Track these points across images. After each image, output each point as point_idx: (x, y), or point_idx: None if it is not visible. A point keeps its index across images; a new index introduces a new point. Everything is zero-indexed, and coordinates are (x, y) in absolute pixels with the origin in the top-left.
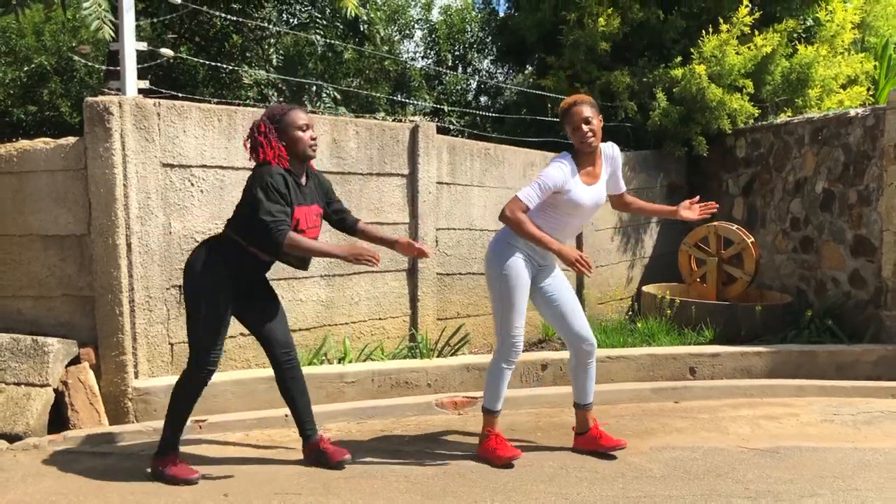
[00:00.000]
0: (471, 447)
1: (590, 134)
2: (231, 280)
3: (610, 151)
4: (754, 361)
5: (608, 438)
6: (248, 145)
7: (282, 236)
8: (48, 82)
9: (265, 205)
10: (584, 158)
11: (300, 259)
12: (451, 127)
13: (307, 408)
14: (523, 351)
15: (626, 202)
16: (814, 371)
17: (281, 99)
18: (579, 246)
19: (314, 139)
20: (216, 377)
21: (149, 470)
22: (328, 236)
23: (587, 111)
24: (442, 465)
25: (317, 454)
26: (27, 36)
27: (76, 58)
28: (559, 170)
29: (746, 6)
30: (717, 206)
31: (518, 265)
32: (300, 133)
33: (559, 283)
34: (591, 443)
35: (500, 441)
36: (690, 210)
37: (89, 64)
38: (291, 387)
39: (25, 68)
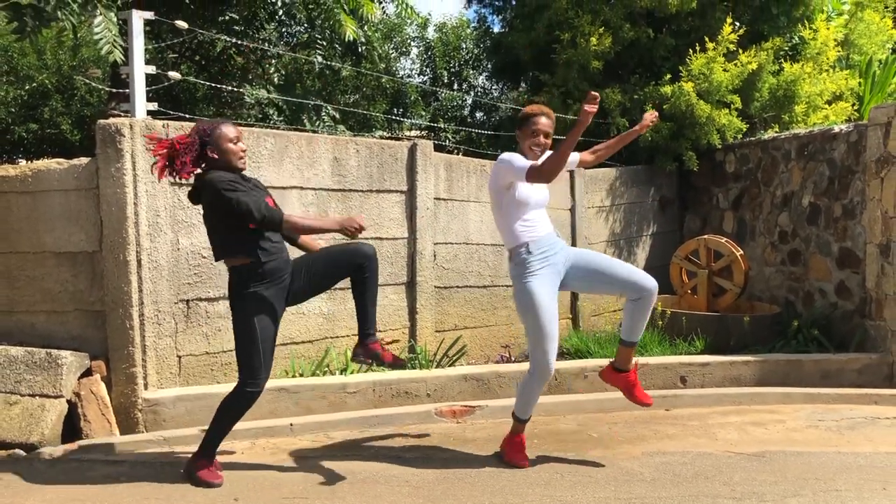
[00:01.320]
0: (469, 453)
1: (540, 149)
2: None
3: None
4: (743, 370)
5: (641, 392)
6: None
7: (277, 214)
8: (49, 100)
9: (240, 196)
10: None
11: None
12: (448, 143)
13: (368, 314)
14: (519, 362)
15: (592, 158)
16: (800, 379)
17: (281, 118)
18: None
19: (244, 151)
20: (221, 388)
21: (182, 471)
22: None
23: (547, 126)
24: (442, 470)
25: (370, 352)
26: (29, 55)
27: (85, 80)
28: (519, 156)
29: (731, 24)
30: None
31: (537, 285)
32: (231, 145)
33: (578, 257)
34: (624, 384)
35: (521, 445)
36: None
37: (100, 87)
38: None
39: (27, 87)
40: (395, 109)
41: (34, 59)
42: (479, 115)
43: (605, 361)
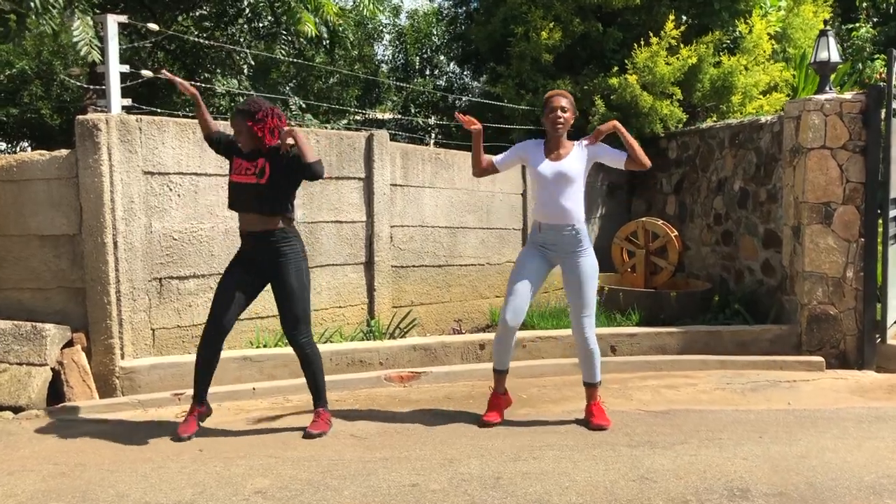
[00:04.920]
0: (411, 412)
1: (560, 120)
2: None
3: (581, 143)
4: (667, 340)
5: (596, 418)
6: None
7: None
8: (29, 85)
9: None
10: (552, 143)
11: None
12: (420, 128)
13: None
14: (465, 333)
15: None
16: (719, 349)
17: None
18: (524, 239)
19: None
20: (192, 358)
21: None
22: None
23: (562, 102)
24: (384, 425)
25: None
26: None
27: (68, 77)
28: (526, 141)
29: (673, 21)
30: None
31: (524, 254)
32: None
33: (572, 273)
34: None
35: (491, 402)
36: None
37: (80, 84)
38: None
39: (7, 72)
40: (370, 94)
41: (13, 45)
42: (450, 99)
43: (542, 333)
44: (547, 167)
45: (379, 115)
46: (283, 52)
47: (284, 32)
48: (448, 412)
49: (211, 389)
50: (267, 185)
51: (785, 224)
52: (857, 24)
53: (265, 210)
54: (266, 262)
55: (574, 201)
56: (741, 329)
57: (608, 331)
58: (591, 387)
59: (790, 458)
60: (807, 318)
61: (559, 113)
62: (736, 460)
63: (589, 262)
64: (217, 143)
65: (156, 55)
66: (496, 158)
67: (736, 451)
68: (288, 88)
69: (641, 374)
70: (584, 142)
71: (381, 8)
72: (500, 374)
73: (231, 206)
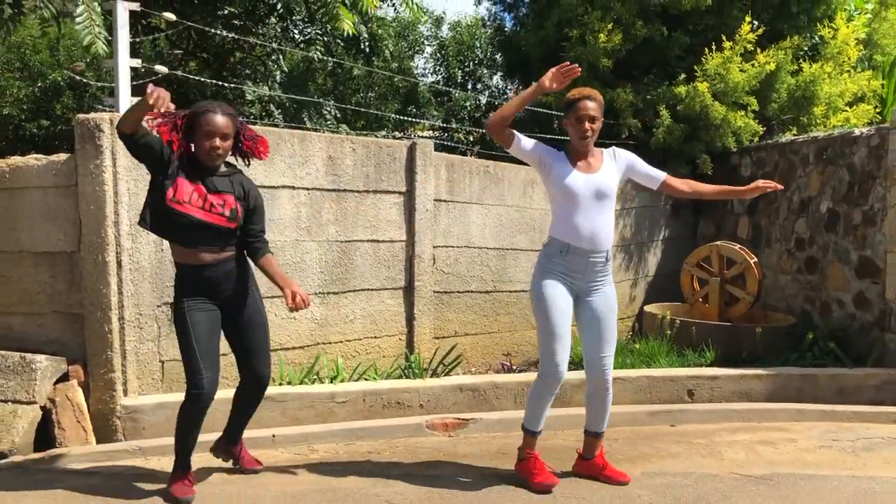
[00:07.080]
0: (458, 471)
1: (589, 132)
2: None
3: (611, 152)
4: (754, 384)
5: (614, 470)
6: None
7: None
8: (61, 97)
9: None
10: (577, 154)
11: None
12: (461, 144)
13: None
14: (521, 372)
15: (686, 189)
16: (815, 395)
17: (281, 115)
18: None
19: (215, 148)
20: None
21: None
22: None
23: (594, 110)
24: (427, 489)
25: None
26: (41, 51)
27: (71, 73)
28: (547, 147)
29: (749, 23)
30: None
31: (551, 286)
32: (204, 140)
33: (596, 306)
34: (593, 469)
35: (534, 463)
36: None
37: (85, 81)
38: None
39: (39, 84)
40: (408, 109)
41: (47, 56)
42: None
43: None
44: (579, 179)
45: (420, 133)
46: (319, 52)
47: (319, 33)
48: (503, 473)
49: None
50: (236, 229)
51: (889, 251)
52: None
53: (226, 245)
54: (231, 292)
55: (610, 223)
56: (841, 373)
57: (685, 372)
58: (600, 437)
59: None
60: None
61: (587, 125)
62: None
63: (613, 292)
64: (155, 148)
65: (186, 63)
66: (522, 138)
67: None
68: (313, 100)
69: (729, 424)
70: (614, 152)
71: (424, 14)
72: (534, 436)
73: (170, 235)
